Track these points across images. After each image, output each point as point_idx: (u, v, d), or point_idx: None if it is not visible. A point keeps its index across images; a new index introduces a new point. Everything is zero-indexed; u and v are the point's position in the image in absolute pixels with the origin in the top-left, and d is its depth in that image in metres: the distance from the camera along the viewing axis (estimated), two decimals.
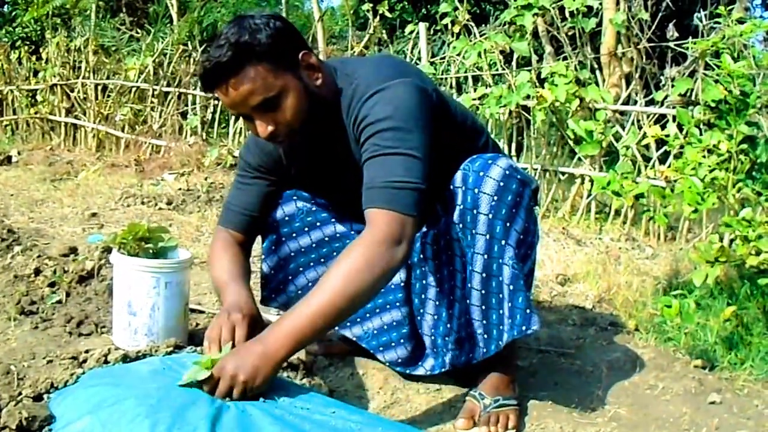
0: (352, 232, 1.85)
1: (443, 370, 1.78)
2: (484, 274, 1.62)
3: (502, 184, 1.58)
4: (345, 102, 1.62)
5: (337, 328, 1.91)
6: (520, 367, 1.95)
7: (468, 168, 1.62)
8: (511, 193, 1.59)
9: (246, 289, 1.69)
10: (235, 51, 1.48)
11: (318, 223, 1.86)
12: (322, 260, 1.86)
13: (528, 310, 1.58)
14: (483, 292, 1.63)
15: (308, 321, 1.42)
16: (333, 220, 1.87)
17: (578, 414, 1.77)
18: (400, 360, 1.86)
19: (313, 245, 1.86)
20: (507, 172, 1.60)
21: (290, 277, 1.89)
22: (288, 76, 1.55)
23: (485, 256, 1.60)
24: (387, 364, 1.89)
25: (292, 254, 1.87)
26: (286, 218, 1.85)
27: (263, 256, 1.91)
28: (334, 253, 1.83)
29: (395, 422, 1.62)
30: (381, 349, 1.89)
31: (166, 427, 1.23)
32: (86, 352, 1.78)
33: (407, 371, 1.86)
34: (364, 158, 1.54)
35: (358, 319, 1.90)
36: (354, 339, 1.92)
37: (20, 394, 1.49)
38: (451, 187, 1.64)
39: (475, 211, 1.59)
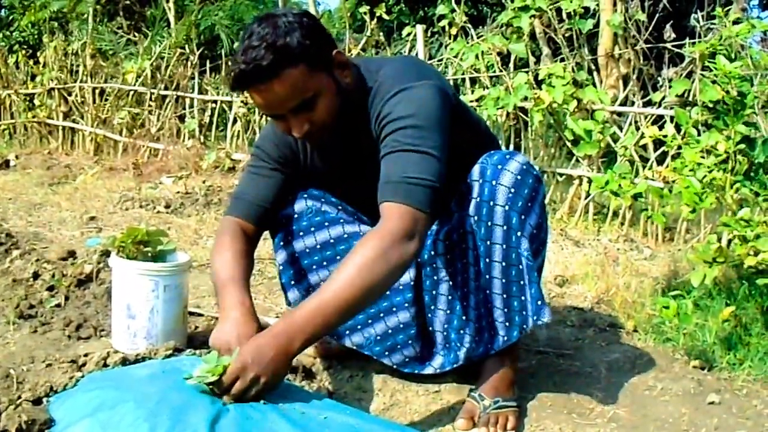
0: (361, 234, 1.84)
1: (455, 365, 1.78)
2: (503, 263, 1.64)
3: (519, 177, 1.62)
4: (367, 100, 1.64)
5: (336, 337, 1.89)
6: (520, 368, 1.95)
7: (486, 161, 1.65)
8: (527, 187, 1.63)
9: (246, 294, 1.63)
10: (275, 53, 1.46)
11: (326, 223, 1.84)
12: (325, 263, 1.84)
13: (540, 302, 1.63)
14: (504, 280, 1.65)
15: (322, 315, 1.41)
16: (341, 220, 1.86)
17: (577, 415, 1.77)
18: (407, 360, 1.85)
19: (318, 247, 1.84)
20: (524, 167, 1.64)
21: (301, 274, 1.87)
22: (323, 76, 1.56)
23: (503, 246, 1.62)
24: (394, 365, 1.86)
25: (297, 254, 1.86)
26: (295, 215, 1.84)
27: (275, 250, 1.89)
28: (338, 257, 1.82)
29: (395, 423, 1.63)
30: (386, 353, 1.85)
31: (165, 429, 1.23)
32: (85, 355, 1.78)
33: (416, 371, 1.85)
34: (383, 153, 1.56)
35: (359, 327, 1.86)
36: (354, 348, 1.88)
37: (20, 397, 1.49)
38: (468, 180, 1.66)
39: (491, 203, 1.62)
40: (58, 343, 2.03)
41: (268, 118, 1.73)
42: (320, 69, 1.55)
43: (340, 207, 1.87)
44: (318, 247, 1.84)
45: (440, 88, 1.60)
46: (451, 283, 1.77)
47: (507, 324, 1.68)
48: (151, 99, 6.32)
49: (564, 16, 4.16)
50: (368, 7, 5.42)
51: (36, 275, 2.49)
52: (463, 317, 1.75)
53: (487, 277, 1.67)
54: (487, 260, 1.66)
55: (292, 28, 1.50)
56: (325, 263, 1.85)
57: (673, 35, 3.89)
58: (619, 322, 2.46)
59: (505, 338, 1.70)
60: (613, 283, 2.77)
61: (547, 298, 2.66)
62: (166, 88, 6.27)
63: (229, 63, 1.58)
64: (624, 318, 2.47)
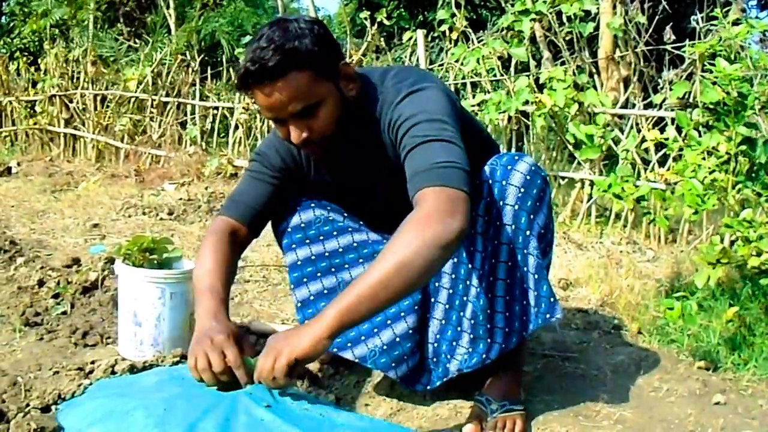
0: (369, 243, 1.83)
1: (445, 379, 1.72)
2: (509, 263, 1.63)
3: (528, 177, 1.63)
4: (376, 109, 1.64)
5: (336, 350, 1.77)
6: (525, 371, 1.96)
7: (495, 163, 1.66)
8: (536, 187, 1.63)
9: (222, 305, 1.60)
10: (282, 55, 1.48)
11: (335, 233, 1.84)
12: (333, 269, 1.82)
13: (552, 299, 1.62)
14: (508, 281, 1.64)
15: (356, 299, 1.36)
16: (350, 229, 1.85)
17: (584, 417, 1.78)
18: (411, 372, 1.76)
19: (326, 254, 1.82)
20: (533, 168, 1.65)
21: (305, 280, 1.84)
22: (328, 85, 1.56)
23: (510, 246, 1.62)
24: (398, 379, 1.75)
25: (299, 262, 1.83)
26: (302, 225, 1.83)
27: (284, 254, 1.87)
28: (346, 266, 1.81)
29: (404, 428, 1.63)
30: (393, 364, 1.73)
31: None
32: (93, 363, 1.79)
33: (412, 389, 1.77)
34: (405, 151, 1.53)
35: (363, 337, 1.76)
36: (356, 360, 1.76)
37: (28, 405, 1.51)
38: (477, 181, 1.65)
39: (501, 203, 1.62)
40: (64, 351, 2.03)
41: (272, 127, 1.73)
42: (326, 78, 1.55)
43: (345, 215, 1.87)
44: (327, 254, 1.83)
45: (445, 90, 1.63)
46: (450, 291, 1.74)
47: (507, 330, 1.66)
48: (152, 106, 6.34)
49: (564, 19, 4.17)
50: (368, 12, 5.44)
51: (41, 283, 2.50)
52: (458, 328, 1.71)
53: (491, 279, 1.66)
54: (493, 261, 1.65)
55: (303, 34, 1.51)
56: (333, 269, 1.83)
57: (673, 37, 3.90)
58: (623, 324, 2.47)
59: (503, 346, 1.66)
60: (617, 285, 2.77)
61: None
62: (167, 95, 6.28)
63: (235, 65, 1.56)
64: (628, 320, 2.48)
